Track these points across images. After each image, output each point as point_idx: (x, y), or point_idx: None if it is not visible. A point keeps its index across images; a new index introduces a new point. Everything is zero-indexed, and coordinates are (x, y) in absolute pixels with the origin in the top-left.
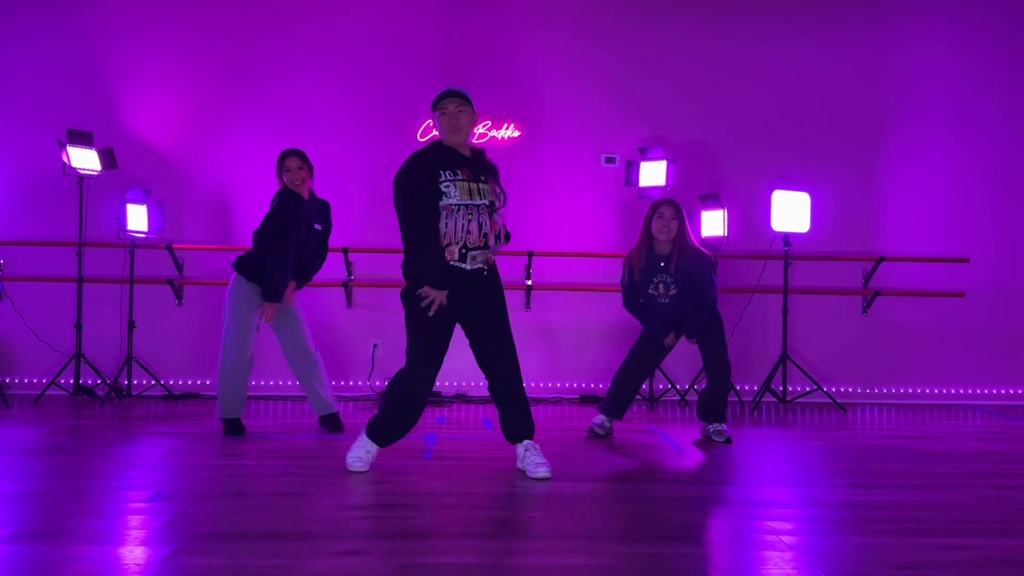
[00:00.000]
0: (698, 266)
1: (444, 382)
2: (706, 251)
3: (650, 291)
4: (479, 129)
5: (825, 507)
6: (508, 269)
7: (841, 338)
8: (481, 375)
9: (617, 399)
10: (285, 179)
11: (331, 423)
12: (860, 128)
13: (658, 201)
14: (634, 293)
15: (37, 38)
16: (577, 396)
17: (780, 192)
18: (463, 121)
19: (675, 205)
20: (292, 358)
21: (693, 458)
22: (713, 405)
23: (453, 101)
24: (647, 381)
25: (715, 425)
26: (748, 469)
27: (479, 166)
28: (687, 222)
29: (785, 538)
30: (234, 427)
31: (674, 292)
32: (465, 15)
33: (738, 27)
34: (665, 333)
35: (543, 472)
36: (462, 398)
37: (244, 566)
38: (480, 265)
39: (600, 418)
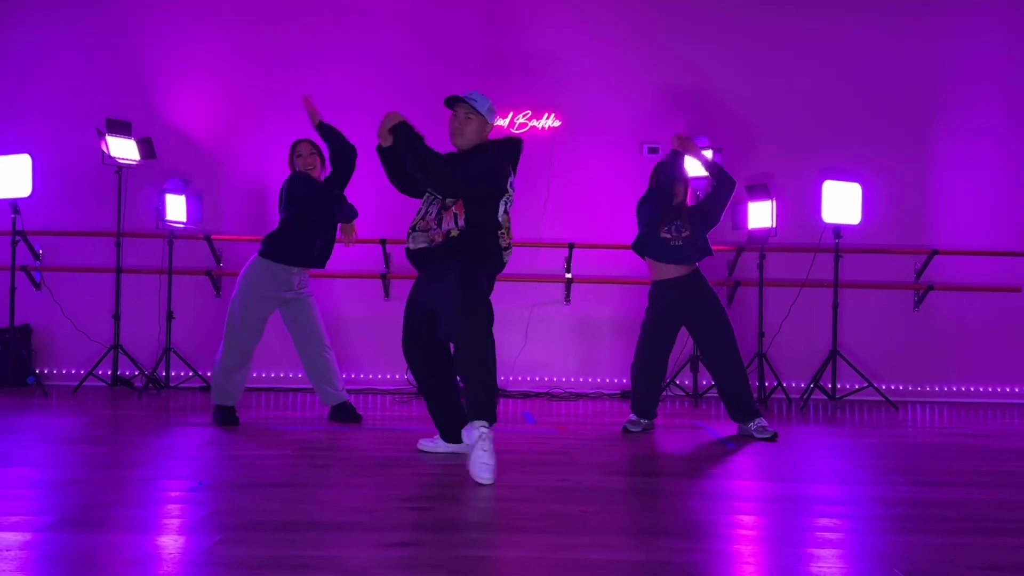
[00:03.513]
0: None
1: None
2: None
3: (663, 235)
4: (519, 119)
5: (894, 505)
6: (548, 262)
7: (892, 334)
8: (519, 369)
9: (642, 397)
10: (298, 165)
11: (343, 414)
12: (912, 117)
13: (661, 164)
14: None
15: (77, 29)
16: (619, 392)
17: (831, 183)
18: (467, 128)
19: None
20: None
21: (744, 454)
22: (744, 401)
23: (463, 108)
24: (685, 373)
25: (756, 421)
26: (803, 466)
27: (462, 158)
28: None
29: (853, 536)
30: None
31: (687, 234)
32: (504, 5)
33: (785, 13)
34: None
35: (485, 478)
36: (501, 392)
37: (290, 556)
38: (424, 244)
39: (634, 416)
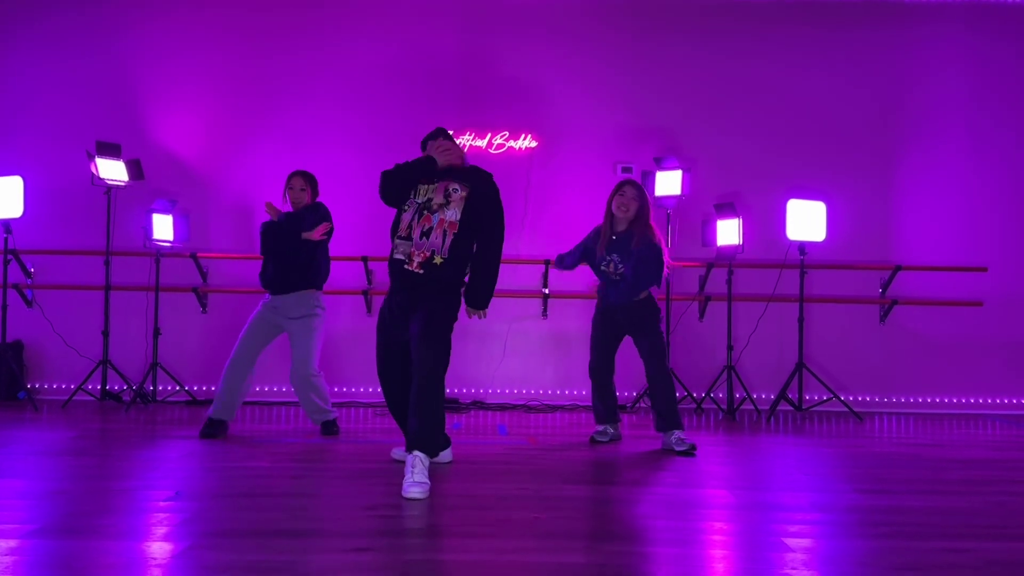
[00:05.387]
0: (642, 252)
1: (462, 389)
2: (663, 247)
3: (602, 267)
4: (497, 139)
5: (830, 511)
6: (526, 277)
7: (858, 347)
8: (498, 382)
9: (598, 403)
10: (288, 197)
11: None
12: (876, 137)
13: (623, 180)
14: (580, 260)
15: (69, 56)
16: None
17: (795, 201)
18: (453, 150)
19: (638, 186)
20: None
21: (703, 463)
22: (664, 411)
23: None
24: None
25: (675, 434)
26: (757, 475)
27: (448, 173)
28: (651, 208)
29: (789, 540)
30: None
31: (623, 270)
32: (482, 28)
33: (754, 39)
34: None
35: (414, 492)
36: (479, 405)
37: (255, 561)
38: (401, 256)
39: (599, 427)
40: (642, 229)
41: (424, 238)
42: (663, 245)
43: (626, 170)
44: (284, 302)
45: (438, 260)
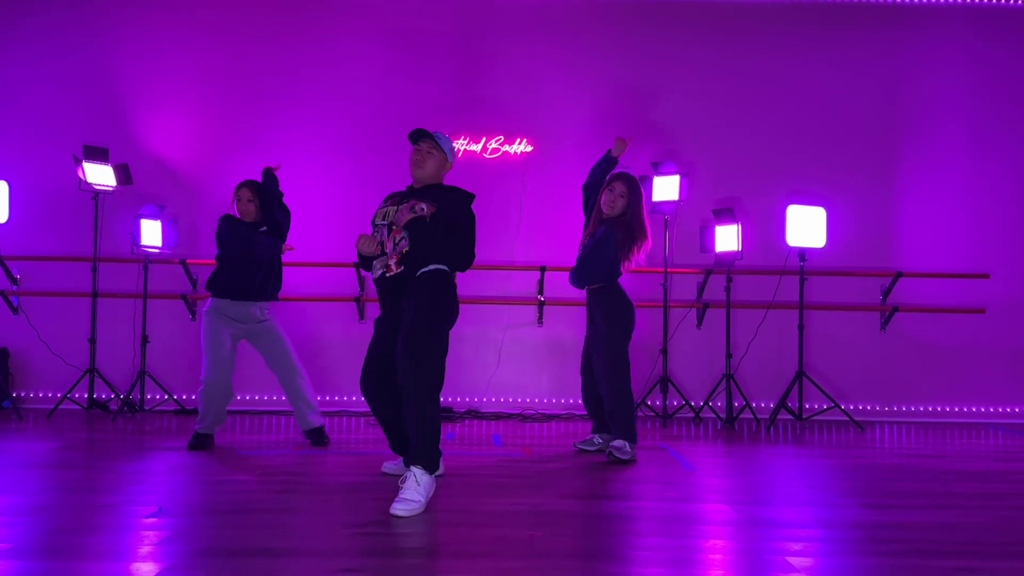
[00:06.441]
0: (595, 241)
1: (456, 397)
2: (621, 247)
3: (583, 242)
4: (492, 144)
5: (834, 527)
6: (521, 284)
7: (859, 355)
8: (493, 390)
9: (588, 409)
10: (236, 208)
11: (315, 437)
12: (876, 144)
13: (616, 174)
14: None
15: (57, 58)
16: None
17: (795, 207)
18: (428, 162)
19: (630, 181)
20: (278, 375)
21: (704, 477)
22: (612, 416)
23: (427, 142)
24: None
25: (615, 442)
26: (759, 488)
27: (415, 195)
28: (643, 208)
29: (792, 559)
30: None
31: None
32: (476, 33)
33: (754, 44)
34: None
35: (397, 510)
36: (474, 414)
37: None
38: (381, 270)
39: (590, 436)
40: (614, 223)
41: (394, 247)
42: (628, 246)
43: None
44: (247, 310)
45: (407, 250)
